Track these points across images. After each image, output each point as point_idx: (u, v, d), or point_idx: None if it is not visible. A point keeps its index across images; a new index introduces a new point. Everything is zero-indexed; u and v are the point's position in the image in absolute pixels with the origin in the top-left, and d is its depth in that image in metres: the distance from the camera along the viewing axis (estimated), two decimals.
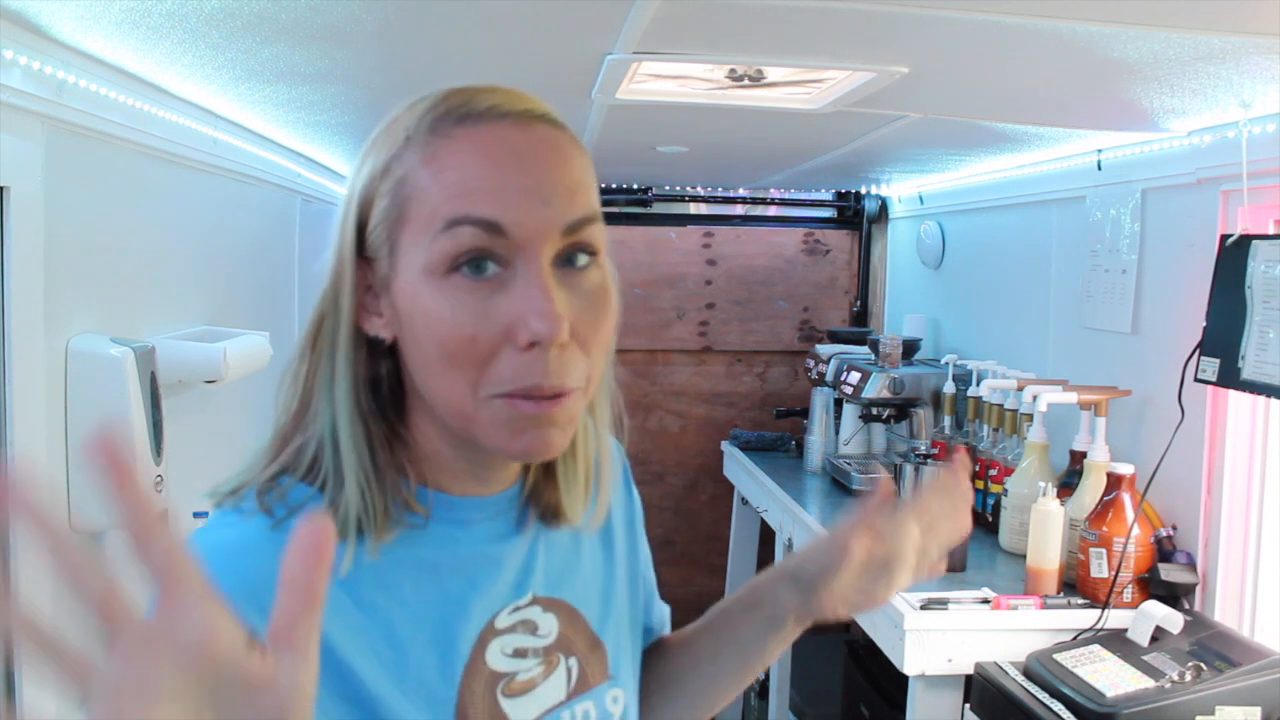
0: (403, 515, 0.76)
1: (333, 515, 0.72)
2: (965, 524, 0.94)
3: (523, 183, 0.71)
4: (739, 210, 3.90)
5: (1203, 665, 1.65)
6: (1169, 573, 1.85)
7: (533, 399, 0.71)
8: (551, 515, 0.87)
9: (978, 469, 2.47)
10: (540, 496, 0.86)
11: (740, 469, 3.34)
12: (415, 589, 0.76)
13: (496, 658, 0.80)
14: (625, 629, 0.94)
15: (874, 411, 2.93)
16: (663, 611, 1.04)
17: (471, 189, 0.70)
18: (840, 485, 2.88)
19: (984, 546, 2.28)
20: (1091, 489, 1.99)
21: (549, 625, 0.85)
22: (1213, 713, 1.59)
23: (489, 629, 0.80)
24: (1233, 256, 1.77)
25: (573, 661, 0.86)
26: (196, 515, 1.80)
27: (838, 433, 3.13)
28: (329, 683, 0.70)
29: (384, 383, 0.77)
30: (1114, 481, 1.91)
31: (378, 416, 0.76)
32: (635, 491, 1.02)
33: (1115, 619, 1.85)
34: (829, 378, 3.10)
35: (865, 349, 3.20)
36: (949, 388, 2.73)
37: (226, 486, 0.76)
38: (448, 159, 0.71)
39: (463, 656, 0.78)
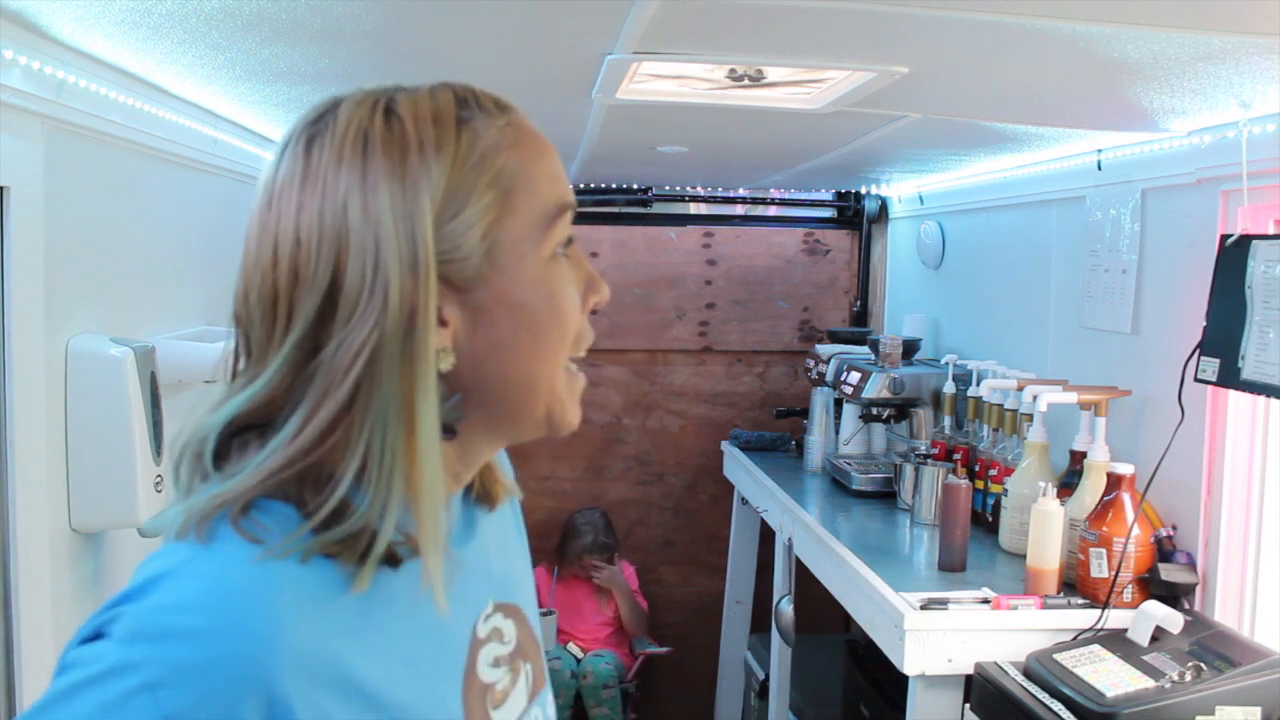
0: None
1: (339, 539, 0.66)
2: None
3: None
4: (739, 210, 3.89)
5: (1203, 665, 1.65)
6: (1169, 573, 1.85)
7: (578, 364, 0.76)
8: (492, 497, 0.85)
9: (977, 469, 2.47)
10: (482, 481, 0.85)
11: (740, 469, 3.34)
12: (413, 603, 0.71)
13: (484, 669, 0.78)
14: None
15: (874, 411, 2.93)
16: None
17: (559, 174, 0.73)
18: (840, 485, 2.88)
19: (984, 546, 2.28)
20: (1091, 489, 1.99)
21: (510, 631, 0.82)
22: (1213, 713, 1.59)
23: (475, 639, 0.78)
24: (1233, 256, 1.77)
25: (528, 667, 0.84)
26: None
27: (838, 433, 3.13)
28: (363, 713, 0.65)
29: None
30: (1114, 481, 1.91)
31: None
32: None
33: (1115, 619, 1.85)
34: (829, 378, 3.10)
35: (865, 349, 3.20)
36: (949, 388, 2.73)
37: (196, 514, 0.65)
38: (529, 146, 0.72)
39: (461, 670, 0.75)
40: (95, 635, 0.61)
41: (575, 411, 0.77)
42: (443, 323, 0.69)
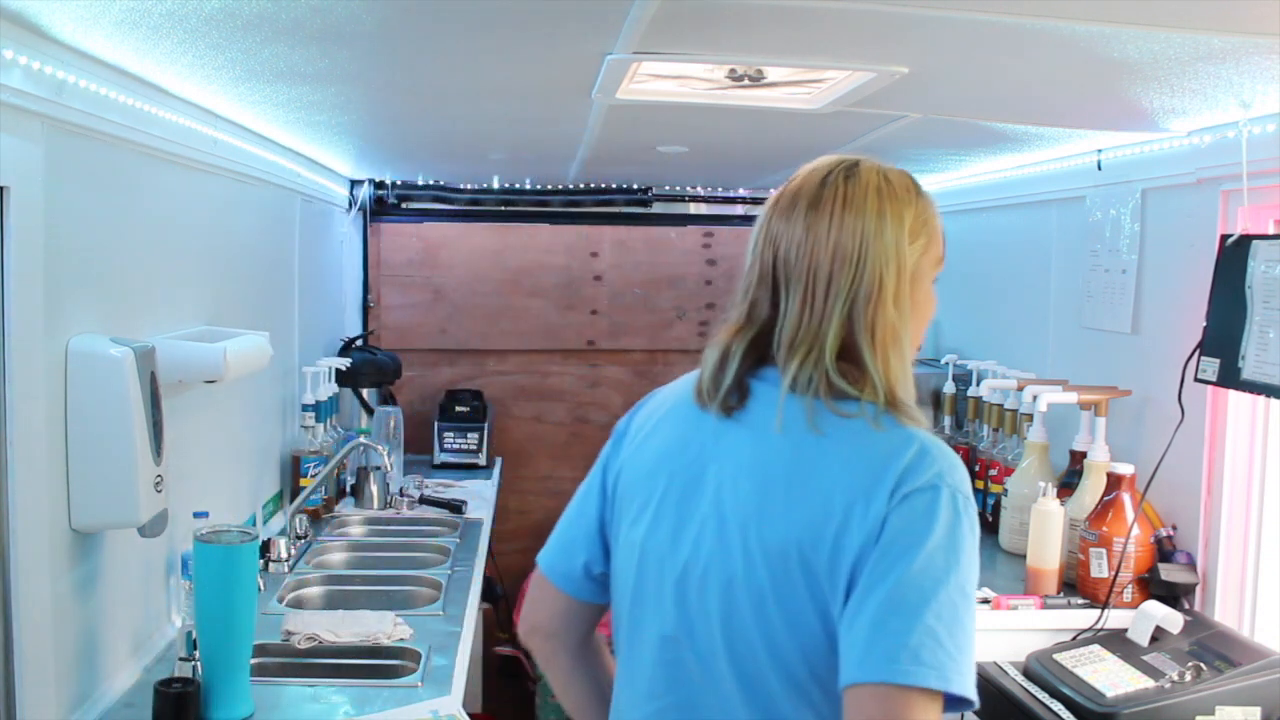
0: None
1: None
2: None
3: None
4: (739, 210, 3.89)
5: (1203, 665, 1.65)
6: (1169, 573, 1.85)
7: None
8: None
9: (977, 469, 2.47)
10: None
11: None
12: None
13: None
14: None
15: None
16: None
17: (944, 241, 1.19)
18: None
19: (984, 546, 2.25)
20: (1091, 489, 1.99)
21: None
22: (1213, 713, 1.59)
23: None
24: (1233, 256, 1.77)
25: None
26: (197, 515, 1.79)
27: None
28: None
29: None
30: (1114, 481, 1.91)
31: None
32: None
33: (1115, 619, 1.85)
34: None
35: None
36: (949, 388, 2.73)
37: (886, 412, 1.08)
38: (938, 219, 1.16)
39: None
40: (916, 489, 1.03)
41: None
42: None
